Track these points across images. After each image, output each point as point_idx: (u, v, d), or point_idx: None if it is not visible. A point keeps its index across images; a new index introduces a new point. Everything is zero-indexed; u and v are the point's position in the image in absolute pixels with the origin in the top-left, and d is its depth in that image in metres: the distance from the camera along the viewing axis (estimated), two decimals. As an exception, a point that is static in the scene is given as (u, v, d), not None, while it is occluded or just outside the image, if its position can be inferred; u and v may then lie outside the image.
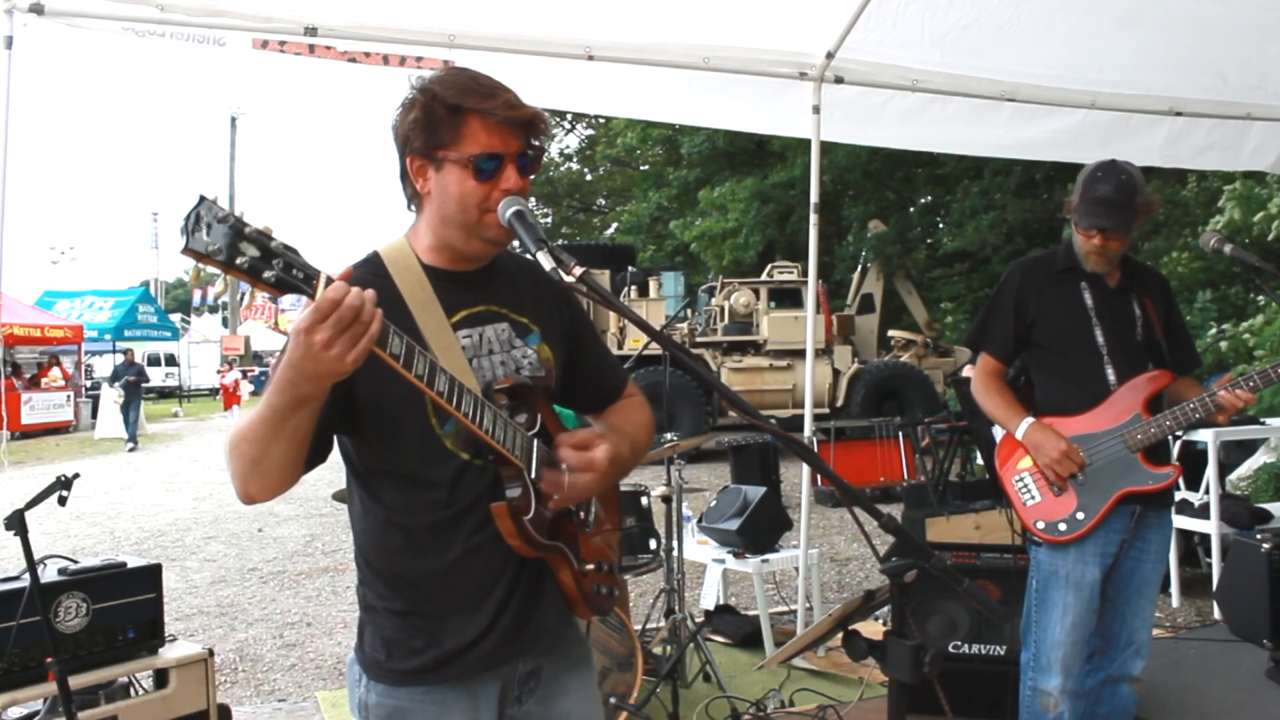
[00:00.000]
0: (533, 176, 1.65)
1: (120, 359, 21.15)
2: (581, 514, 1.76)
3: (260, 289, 1.26)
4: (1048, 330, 2.97)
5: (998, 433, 3.11)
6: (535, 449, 1.63)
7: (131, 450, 17.70)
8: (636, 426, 1.86)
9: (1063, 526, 2.86)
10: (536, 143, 1.63)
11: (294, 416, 1.38)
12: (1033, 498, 2.92)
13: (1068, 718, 2.90)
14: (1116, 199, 2.81)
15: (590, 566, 1.73)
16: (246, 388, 32.60)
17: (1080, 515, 2.85)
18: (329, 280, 1.29)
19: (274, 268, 1.24)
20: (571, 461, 1.61)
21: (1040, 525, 2.89)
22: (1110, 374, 2.89)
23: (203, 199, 1.20)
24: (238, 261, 1.21)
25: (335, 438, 1.61)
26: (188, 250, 1.19)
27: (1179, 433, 3.05)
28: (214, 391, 34.22)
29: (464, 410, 1.49)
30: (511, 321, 1.73)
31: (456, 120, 1.58)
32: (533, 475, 1.61)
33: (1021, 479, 2.94)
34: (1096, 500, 2.84)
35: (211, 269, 1.24)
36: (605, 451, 1.63)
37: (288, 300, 42.00)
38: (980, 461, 9.12)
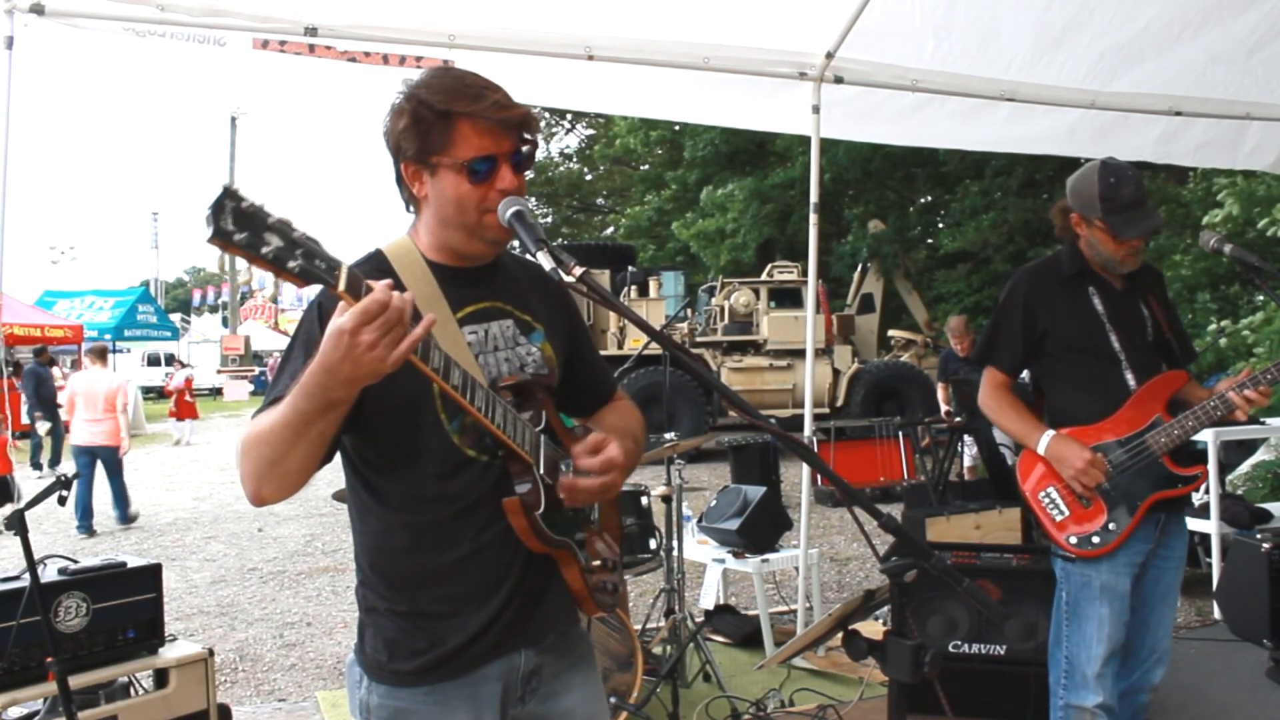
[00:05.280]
0: (528, 174, 1.65)
1: (31, 360, 15.08)
2: (587, 510, 1.77)
3: (284, 279, 1.27)
4: (1062, 340, 2.89)
5: (998, 433, 3.08)
6: (543, 445, 1.64)
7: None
8: (634, 424, 1.89)
9: (1096, 539, 2.78)
10: (529, 138, 1.63)
11: (321, 421, 1.38)
12: (1061, 512, 2.83)
13: None
14: (1142, 197, 2.79)
15: (596, 563, 1.74)
16: (243, 388, 32.49)
17: (1112, 526, 2.77)
18: (350, 271, 1.30)
19: (297, 258, 1.25)
20: (593, 467, 1.62)
21: (1073, 540, 2.80)
22: (1130, 379, 2.82)
23: (227, 189, 1.21)
24: (263, 251, 1.22)
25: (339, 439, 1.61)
26: (214, 239, 1.20)
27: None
28: (214, 391, 34.24)
29: (477, 405, 1.49)
30: (516, 319, 1.74)
31: (446, 125, 1.57)
32: (541, 471, 1.62)
33: (1048, 494, 2.85)
34: (1127, 509, 2.77)
35: (237, 258, 1.26)
36: (618, 447, 1.65)
37: (288, 300, 42.11)
38: (969, 463, 9.15)
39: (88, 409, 9.56)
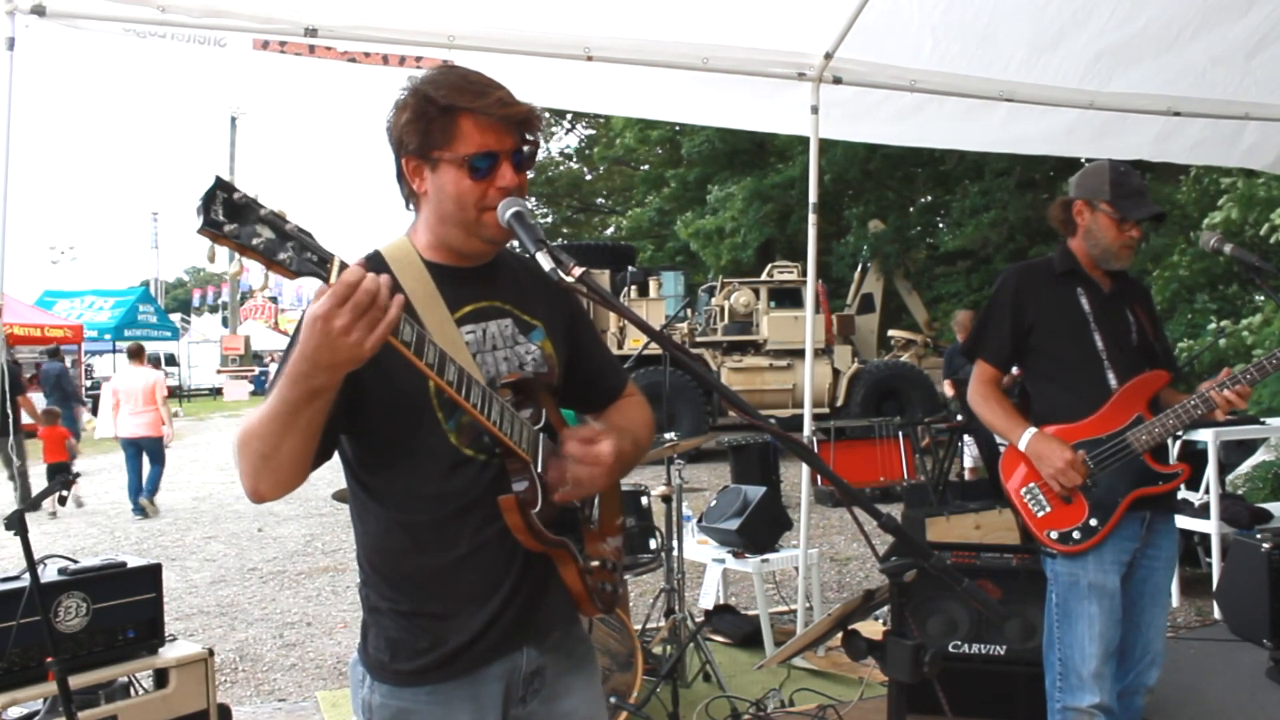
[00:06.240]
0: (529, 174, 1.65)
1: (48, 363, 15.09)
2: (587, 511, 1.76)
3: (275, 271, 1.26)
4: (1047, 335, 2.93)
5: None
6: (541, 443, 1.63)
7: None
8: (638, 424, 1.87)
9: (1076, 534, 2.80)
10: (531, 138, 1.64)
11: (307, 409, 1.38)
12: (1043, 508, 2.86)
13: None
14: (1146, 191, 2.89)
15: (595, 563, 1.73)
16: (243, 388, 32.33)
17: (1093, 521, 2.79)
18: (343, 265, 1.29)
19: (288, 250, 1.24)
20: (578, 455, 1.60)
21: (1053, 535, 2.83)
22: (1111, 379, 2.85)
23: (219, 180, 1.20)
24: (253, 243, 1.22)
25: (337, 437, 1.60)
26: (204, 230, 1.19)
27: (1179, 432, 3.03)
28: (214, 391, 34.20)
29: (472, 401, 1.49)
30: (515, 317, 1.73)
31: (449, 120, 1.58)
32: (539, 469, 1.61)
33: (1029, 490, 2.87)
34: (1108, 505, 2.79)
35: (227, 249, 1.25)
36: (610, 445, 1.63)
37: (288, 299, 42.06)
38: (969, 463, 9.16)
39: (130, 404, 10.52)
